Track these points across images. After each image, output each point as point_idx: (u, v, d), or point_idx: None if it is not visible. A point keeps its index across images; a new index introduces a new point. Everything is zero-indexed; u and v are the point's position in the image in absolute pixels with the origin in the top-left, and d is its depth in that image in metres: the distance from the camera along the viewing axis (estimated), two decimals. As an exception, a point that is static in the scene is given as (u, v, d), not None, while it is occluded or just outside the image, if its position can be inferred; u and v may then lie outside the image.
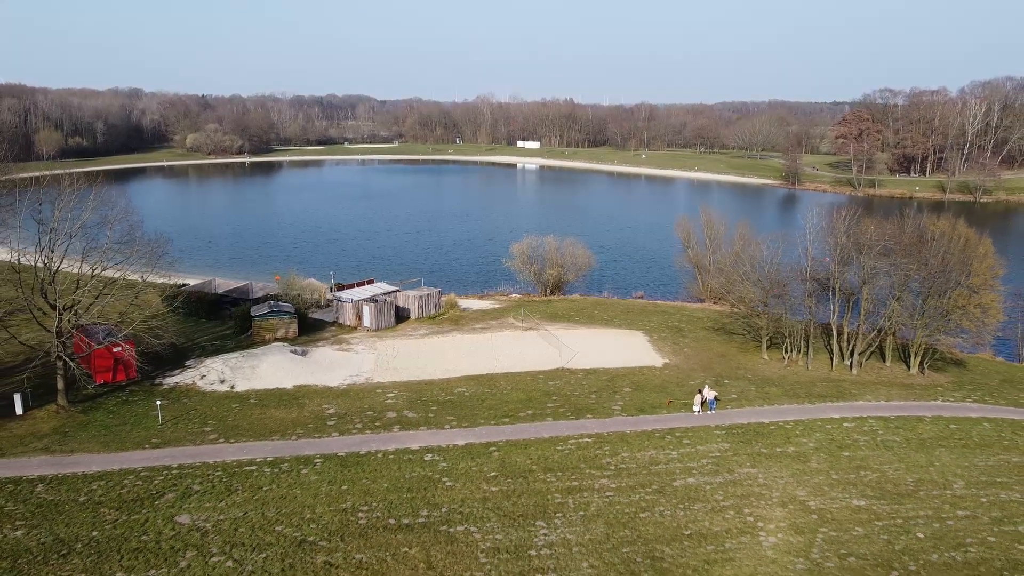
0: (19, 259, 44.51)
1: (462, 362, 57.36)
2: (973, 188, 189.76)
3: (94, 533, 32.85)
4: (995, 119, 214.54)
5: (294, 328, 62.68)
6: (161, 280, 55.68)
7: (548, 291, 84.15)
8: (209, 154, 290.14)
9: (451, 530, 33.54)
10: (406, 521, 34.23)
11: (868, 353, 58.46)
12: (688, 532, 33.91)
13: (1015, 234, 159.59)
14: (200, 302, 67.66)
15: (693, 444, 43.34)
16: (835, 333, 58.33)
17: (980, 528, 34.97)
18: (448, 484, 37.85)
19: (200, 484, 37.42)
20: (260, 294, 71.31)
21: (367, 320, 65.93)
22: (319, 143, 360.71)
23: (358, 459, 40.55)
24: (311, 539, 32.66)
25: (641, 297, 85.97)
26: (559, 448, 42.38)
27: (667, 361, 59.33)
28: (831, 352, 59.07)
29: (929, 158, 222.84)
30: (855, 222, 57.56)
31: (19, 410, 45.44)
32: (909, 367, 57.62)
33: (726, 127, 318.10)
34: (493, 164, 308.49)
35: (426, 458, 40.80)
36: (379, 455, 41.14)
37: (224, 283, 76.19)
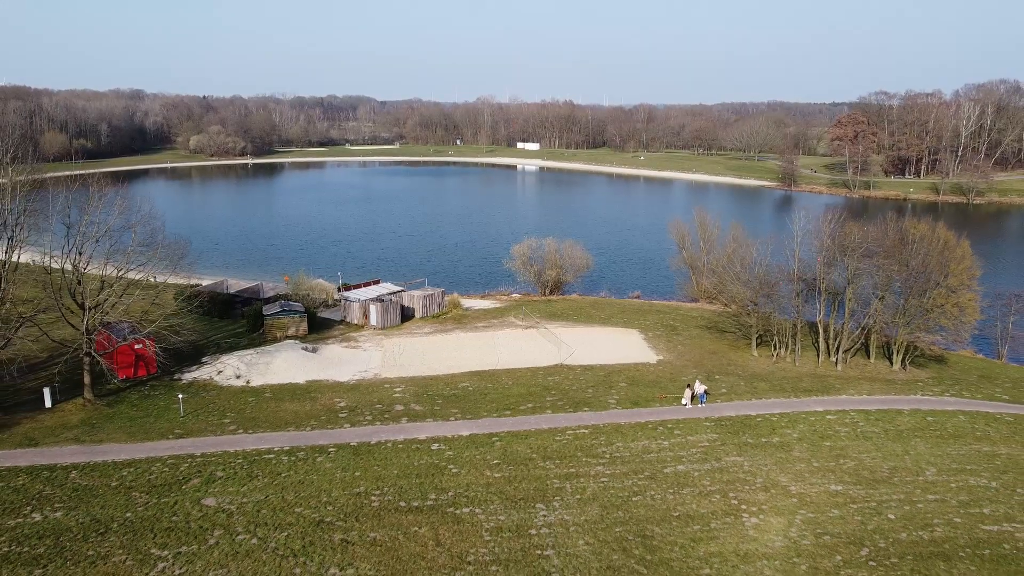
0: (50, 262, 47.20)
1: (465, 358, 60.07)
2: (966, 190, 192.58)
3: (128, 514, 35.58)
4: (988, 121, 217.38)
5: (304, 326, 65.41)
6: (181, 281, 58.27)
7: (548, 291, 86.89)
8: (212, 155, 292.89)
9: (457, 512, 36.27)
10: (415, 504, 36.97)
11: (853, 350, 61.25)
12: (677, 514, 36.64)
13: (1000, 235, 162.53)
14: (213, 302, 70.38)
15: (684, 435, 46.08)
16: (821, 331, 61.12)
17: (948, 510, 37.70)
18: (454, 471, 40.59)
19: (223, 470, 40.17)
20: (270, 294, 74.06)
21: (374, 319, 68.69)
22: (321, 144, 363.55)
23: (369, 448, 43.29)
24: (328, 519, 35.39)
25: (638, 297, 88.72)
26: (557, 438, 45.12)
27: (661, 358, 62.08)
28: (818, 349, 61.87)
29: (923, 160, 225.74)
30: (840, 225, 60.29)
31: (48, 403, 48.16)
32: (892, 363, 60.38)
33: (724, 129, 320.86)
34: (493, 165, 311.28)
35: (433, 447, 43.53)
36: (389, 444, 43.87)
37: (235, 283, 78.95)
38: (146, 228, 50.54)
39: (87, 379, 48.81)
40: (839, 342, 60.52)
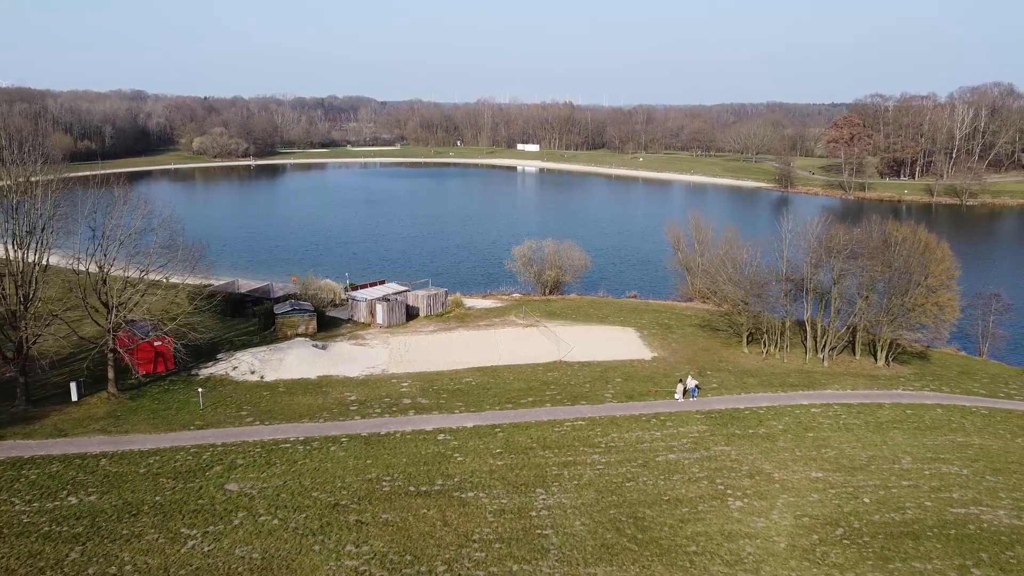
0: (77, 264, 49.94)
1: (468, 355, 62.82)
2: (959, 191, 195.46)
3: (157, 498, 38.34)
4: (982, 124, 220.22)
5: (313, 325, 68.16)
6: (198, 281, 61.00)
7: (547, 291, 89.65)
8: (215, 157, 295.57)
9: (463, 496, 39.02)
10: (424, 488, 39.72)
11: (839, 347, 64.04)
12: (667, 498, 39.38)
13: (990, 236, 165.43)
14: (226, 301, 73.11)
15: (675, 426, 48.85)
16: (809, 329, 63.91)
17: (920, 495, 40.44)
18: (459, 459, 43.35)
19: (243, 459, 42.92)
20: (280, 294, 76.80)
21: (380, 317, 71.47)
22: (322, 146, 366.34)
23: (379, 439, 46.05)
24: (343, 503, 38.15)
25: (635, 297, 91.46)
26: (556, 429, 47.87)
27: (655, 355, 64.85)
28: (805, 346, 64.66)
29: (918, 162, 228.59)
30: (826, 228, 63.07)
31: (75, 397, 50.90)
32: (876, 360, 63.15)
33: (722, 130, 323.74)
34: (494, 167, 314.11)
35: (439, 438, 46.30)
36: (397, 435, 46.64)
37: (246, 284, 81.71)
38: (167, 231, 53.33)
39: (111, 374, 51.55)
40: (826, 340, 63.29)
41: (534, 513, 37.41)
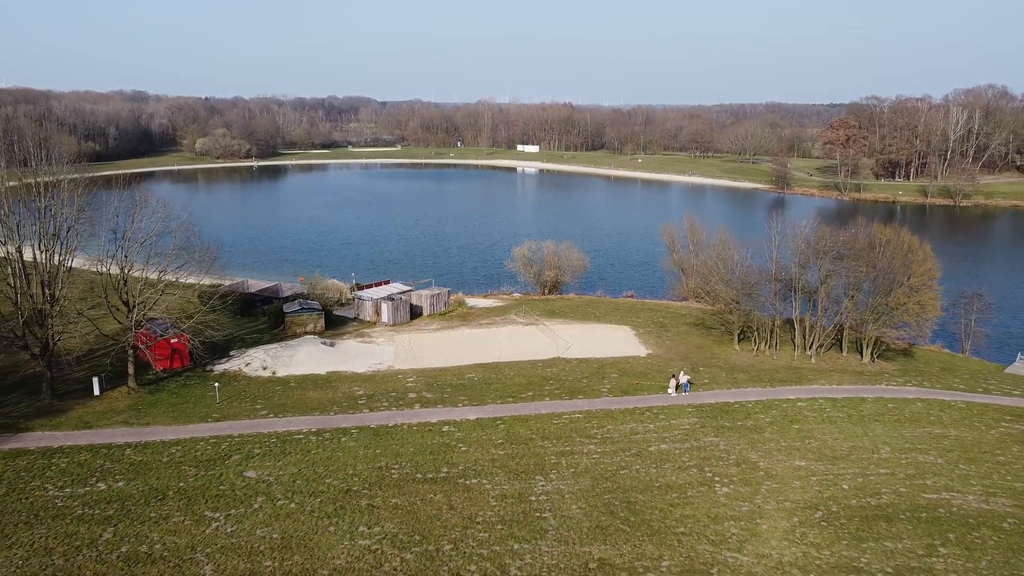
0: (100, 266, 52.59)
1: (471, 352, 65.46)
2: (953, 192, 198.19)
3: (180, 484, 40.97)
4: (976, 126, 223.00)
5: (321, 323, 70.80)
6: (214, 281, 63.59)
7: (546, 291, 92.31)
8: (218, 158, 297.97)
9: (467, 482, 41.67)
10: (430, 475, 42.37)
11: (827, 345, 66.71)
12: (658, 484, 42.04)
13: (979, 236, 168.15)
14: (236, 300, 75.72)
15: (667, 419, 51.51)
16: (797, 327, 66.59)
17: (895, 482, 43.12)
18: (463, 449, 46.01)
19: (259, 448, 45.56)
20: (289, 294, 79.42)
21: (385, 316, 74.13)
22: (323, 147, 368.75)
23: (387, 430, 48.70)
24: (355, 488, 40.79)
25: (631, 296, 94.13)
26: (555, 422, 50.53)
27: (650, 352, 67.50)
28: (794, 344, 67.32)
29: (913, 163, 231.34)
30: (814, 230, 65.75)
31: (97, 391, 53.51)
32: (862, 357, 65.82)
33: (720, 131, 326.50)
34: (494, 168, 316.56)
35: (443, 429, 48.95)
36: (404, 427, 49.30)
37: (255, 283, 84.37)
38: (184, 233, 56.00)
39: (131, 369, 54.18)
40: (814, 337, 65.96)
41: (533, 498, 40.05)
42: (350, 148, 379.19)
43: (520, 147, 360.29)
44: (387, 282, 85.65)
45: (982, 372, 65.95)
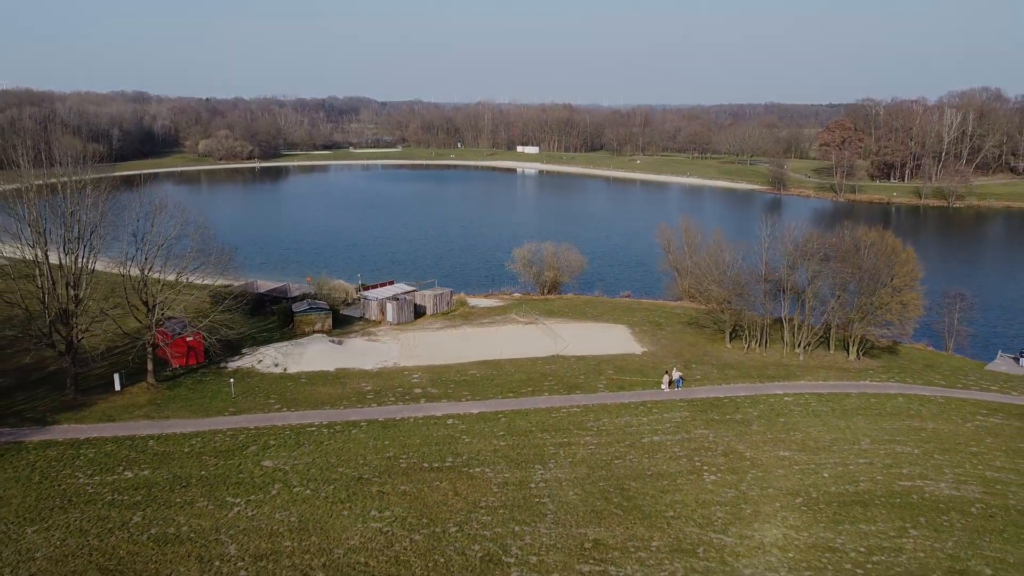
0: (121, 268, 55.40)
1: (473, 350, 68.22)
2: (947, 194, 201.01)
3: (202, 472, 43.73)
4: (970, 127, 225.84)
5: (329, 322, 73.54)
6: (221, 282, 66.31)
7: (546, 291, 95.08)
8: (220, 159, 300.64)
9: (471, 471, 44.43)
10: (436, 465, 45.14)
11: (815, 343, 69.47)
12: (650, 473, 44.81)
13: (969, 237, 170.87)
14: (248, 301, 78.41)
15: (660, 413, 54.28)
16: (786, 326, 69.36)
17: (873, 471, 45.87)
18: (466, 440, 48.78)
19: (274, 440, 48.33)
20: (297, 294, 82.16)
21: (390, 315, 76.91)
22: (325, 147, 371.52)
23: (395, 423, 51.47)
24: (366, 476, 43.55)
25: (628, 296, 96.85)
26: (553, 415, 53.29)
27: (645, 349, 70.25)
28: (784, 342, 70.08)
29: (907, 165, 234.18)
30: (802, 233, 68.52)
31: (117, 387, 56.25)
32: (848, 354, 68.57)
33: (718, 133, 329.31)
34: (494, 169, 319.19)
35: (448, 422, 51.72)
36: (411, 420, 52.06)
37: (264, 284, 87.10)
38: (201, 237, 58.78)
39: (150, 366, 56.96)
40: (802, 336, 68.72)
41: (533, 485, 42.82)
42: (351, 149, 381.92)
43: (520, 148, 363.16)
44: (392, 283, 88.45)
45: (963, 369, 68.71)
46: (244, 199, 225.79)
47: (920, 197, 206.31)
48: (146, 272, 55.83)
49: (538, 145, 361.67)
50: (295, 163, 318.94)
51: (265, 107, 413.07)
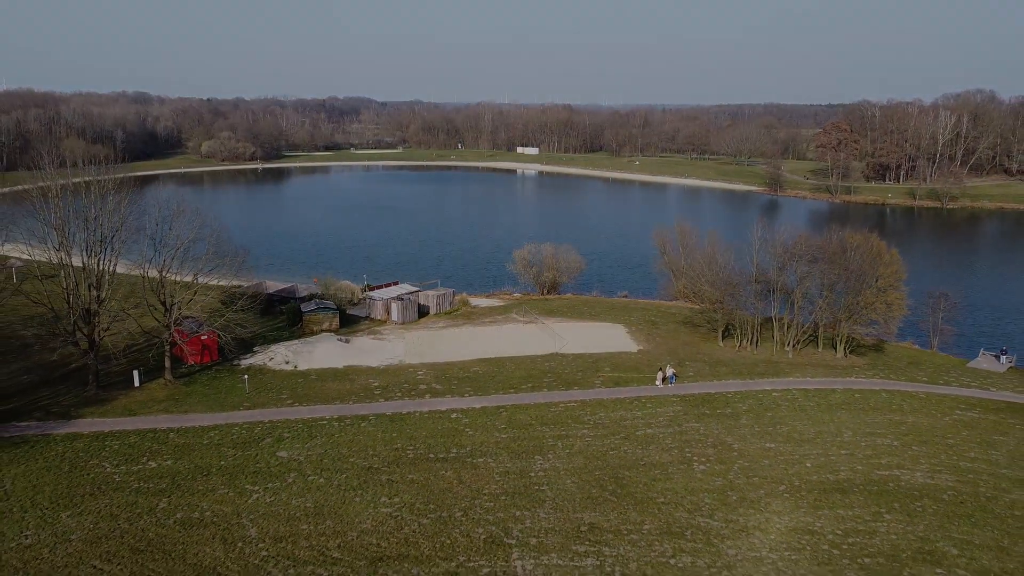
0: (140, 271, 58.21)
1: (475, 348, 71.00)
2: (940, 195, 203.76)
3: (221, 462, 46.50)
4: (964, 129, 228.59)
5: (336, 322, 76.30)
6: (230, 283, 69.10)
7: (545, 291, 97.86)
8: (223, 160, 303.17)
9: (474, 461, 47.21)
10: (441, 455, 47.91)
11: (803, 341, 72.26)
12: (643, 463, 47.56)
13: (960, 238, 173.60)
14: (260, 301, 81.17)
15: (654, 407, 57.06)
16: (776, 325, 72.15)
17: (853, 461, 48.62)
18: (470, 433, 51.55)
19: (288, 432, 51.10)
20: (305, 294, 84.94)
21: (395, 315, 79.68)
22: (326, 149, 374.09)
23: (402, 417, 54.24)
24: (376, 466, 46.31)
25: (625, 296, 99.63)
26: (552, 410, 56.06)
27: (641, 348, 73.03)
28: (774, 340, 72.86)
29: (902, 166, 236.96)
30: (792, 235, 71.32)
31: (136, 383, 59.03)
32: (836, 352, 71.36)
33: (717, 134, 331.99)
34: (494, 170, 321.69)
35: (452, 416, 54.50)
36: (416, 414, 54.84)
37: (272, 284, 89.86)
38: (215, 240, 61.58)
39: (168, 363, 59.73)
40: (791, 334, 71.51)
41: (533, 474, 45.59)
42: (352, 150, 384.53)
43: (520, 149, 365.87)
44: (396, 283, 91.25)
45: (946, 366, 71.48)
46: (248, 201, 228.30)
47: (914, 198, 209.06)
48: (164, 274, 58.56)
49: (538, 146, 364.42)
50: (297, 164, 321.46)
51: (266, 108, 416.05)
